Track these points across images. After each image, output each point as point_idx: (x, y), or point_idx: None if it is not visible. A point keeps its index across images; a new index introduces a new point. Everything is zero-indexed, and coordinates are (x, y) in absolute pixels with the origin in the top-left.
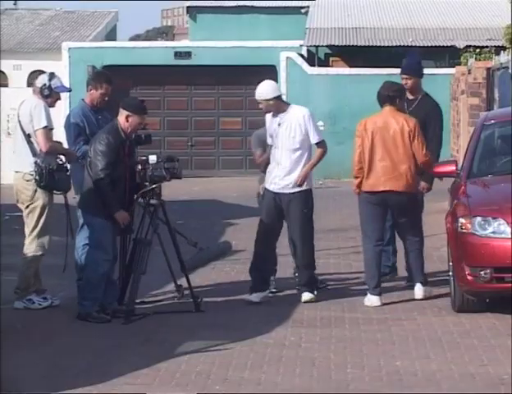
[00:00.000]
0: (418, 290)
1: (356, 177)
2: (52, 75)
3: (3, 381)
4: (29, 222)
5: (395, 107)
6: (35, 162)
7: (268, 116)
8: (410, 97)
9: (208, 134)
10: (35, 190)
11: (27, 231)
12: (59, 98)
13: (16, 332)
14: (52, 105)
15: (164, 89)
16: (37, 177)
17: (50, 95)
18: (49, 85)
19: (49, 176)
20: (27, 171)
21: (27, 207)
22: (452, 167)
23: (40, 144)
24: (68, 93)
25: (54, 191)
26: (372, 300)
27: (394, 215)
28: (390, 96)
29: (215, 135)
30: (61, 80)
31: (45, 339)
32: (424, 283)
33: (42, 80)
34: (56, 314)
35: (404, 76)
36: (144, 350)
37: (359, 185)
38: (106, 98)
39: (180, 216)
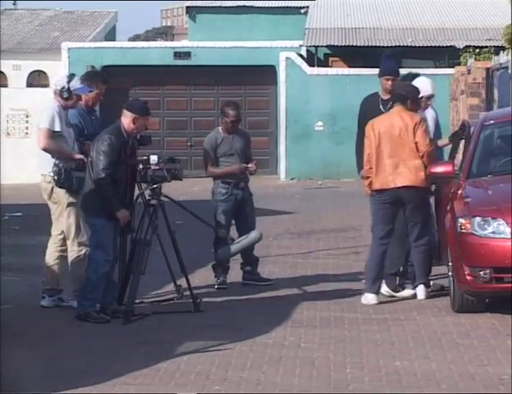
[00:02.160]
0: (421, 291)
1: (367, 178)
2: (71, 77)
3: (3, 381)
4: (61, 225)
5: (405, 107)
6: (54, 163)
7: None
8: (386, 97)
9: (207, 134)
10: (52, 188)
11: (53, 231)
12: (80, 100)
13: (16, 332)
14: (73, 106)
15: (163, 89)
16: (55, 177)
17: (70, 97)
18: (68, 88)
19: (67, 176)
20: (47, 172)
21: (55, 209)
22: (449, 168)
23: (38, 141)
24: None
25: (79, 192)
26: (368, 298)
27: (405, 213)
28: (401, 95)
29: None
30: (81, 81)
31: (45, 339)
32: (427, 285)
33: (61, 83)
34: (55, 314)
35: (390, 77)
36: (143, 351)
37: (370, 186)
38: (101, 98)
39: (180, 216)
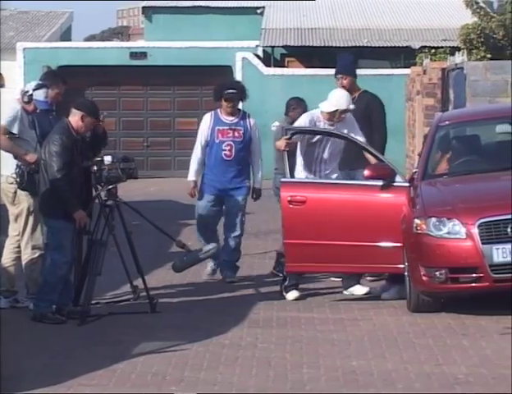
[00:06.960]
0: None
1: None
2: (40, 86)
3: None
4: (18, 226)
5: None
6: (17, 164)
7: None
8: None
9: (163, 134)
10: (15, 192)
11: (11, 231)
12: (36, 110)
13: None
14: (28, 111)
15: (120, 89)
16: (18, 179)
17: (28, 103)
18: (30, 94)
19: (29, 179)
20: (10, 173)
21: (15, 210)
22: (386, 171)
23: None
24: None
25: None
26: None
27: None
28: None
29: (171, 136)
30: (47, 95)
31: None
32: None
33: (28, 87)
34: (10, 316)
35: (339, 76)
36: (99, 351)
37: None
38: (59, 98)
39: (136, 217)
